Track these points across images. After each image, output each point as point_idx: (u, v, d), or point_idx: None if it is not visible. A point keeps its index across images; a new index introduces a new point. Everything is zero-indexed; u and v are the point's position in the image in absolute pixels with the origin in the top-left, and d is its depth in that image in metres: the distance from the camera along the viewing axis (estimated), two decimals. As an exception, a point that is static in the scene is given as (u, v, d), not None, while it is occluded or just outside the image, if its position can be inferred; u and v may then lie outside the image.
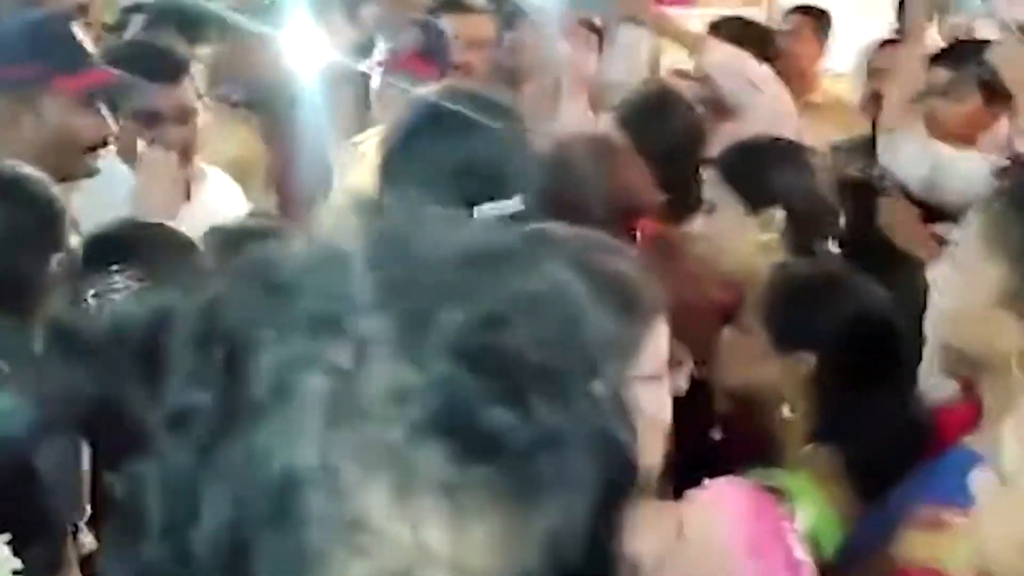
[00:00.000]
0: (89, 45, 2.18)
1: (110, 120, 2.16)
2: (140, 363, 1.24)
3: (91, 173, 2.17)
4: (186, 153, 2.63)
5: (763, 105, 3.30)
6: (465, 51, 3.35)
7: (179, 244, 1.53)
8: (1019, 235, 1.44)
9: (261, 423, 0.57)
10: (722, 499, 1.27)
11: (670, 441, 1.88)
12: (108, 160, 2.58)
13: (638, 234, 1.97)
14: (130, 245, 1.54)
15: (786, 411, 1.73)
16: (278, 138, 3.32)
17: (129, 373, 1.28)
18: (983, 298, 1.46)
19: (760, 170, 2.08)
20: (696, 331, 1.83)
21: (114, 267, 1.43)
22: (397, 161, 1.60)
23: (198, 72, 3.23)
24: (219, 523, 0.57)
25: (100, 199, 2.35)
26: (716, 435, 2.01)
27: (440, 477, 0.56)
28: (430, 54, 3.04)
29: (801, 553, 1.29)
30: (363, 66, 3.10)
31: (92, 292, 1.41)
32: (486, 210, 1.53)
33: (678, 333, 1.81)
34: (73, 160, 2.12)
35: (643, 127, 2.41)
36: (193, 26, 3.26)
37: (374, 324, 0.58)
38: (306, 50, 3.29)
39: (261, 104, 3.42)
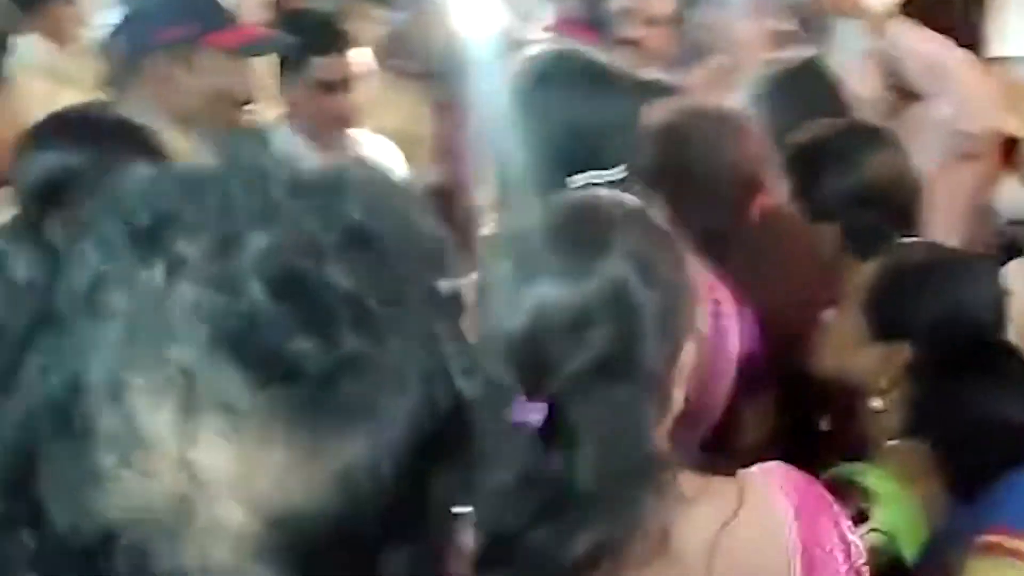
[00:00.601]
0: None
1: (259, 78, 2.28)
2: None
3: (240, 128, 2.28)
4: (347, 120, 2.76)
5: (955, 91, 3.13)
6: (640, 27, 3.33)
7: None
8: None
9: (64, 336, 0.57)
10: (775, 473, 1.24)
11: (775, 431, 1.85)
12: (283, 131, 2.72)
13: (754, 210, 1.91)
14: None
15: (877, 403, 1.65)
16: (448, 110, 3.37)
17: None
18: None
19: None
20: (802, 316, 1.77)
21: None
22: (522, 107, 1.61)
23: (374, 41, 3.34)
24: (10, 437, 0.57)
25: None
26: (823, 426, 1.95)
27: (230, 400, 0.55)
28: (594, 24, 3.04)
29: (851, 532, 1.26)
30: (531, 34, 3.12)
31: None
32: (583, 178, 1.52)
33: (783, 318, 1.77)
34: (226, 115, 2.22)
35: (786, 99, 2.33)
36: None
37: (191, 245, 0.57)
38: (480, 21, 3.34)
39: (434, 75, 3.49)
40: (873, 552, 1.59)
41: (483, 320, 1.16)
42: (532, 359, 1.12)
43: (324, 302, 0.57)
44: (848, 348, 1.70)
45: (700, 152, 1.93)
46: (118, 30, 2.19)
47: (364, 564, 0.58)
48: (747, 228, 1.87)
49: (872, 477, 1.61)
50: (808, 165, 2.03)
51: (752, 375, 1.65)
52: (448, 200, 2.76)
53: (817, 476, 1.68)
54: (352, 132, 2.82)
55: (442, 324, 0.62)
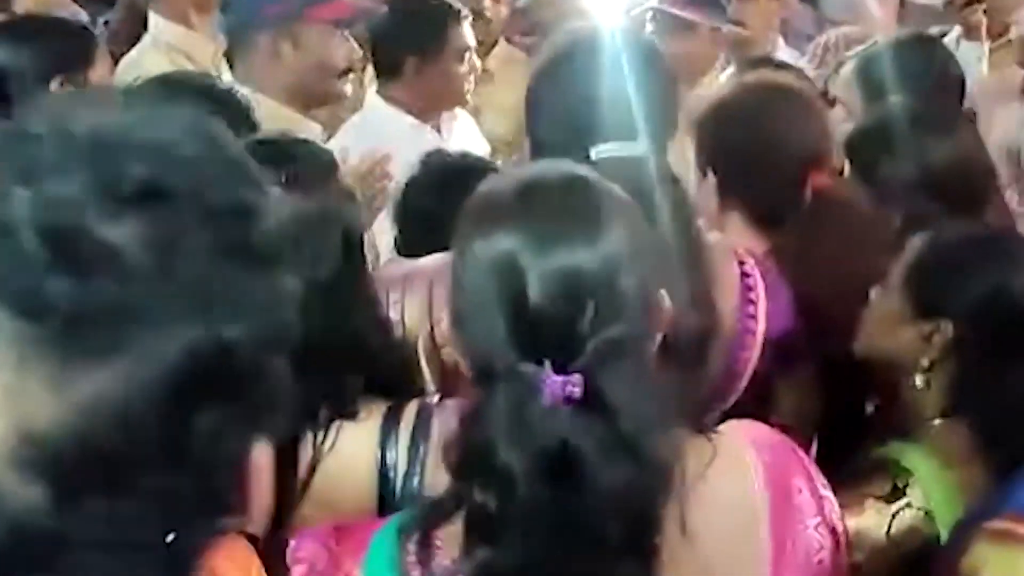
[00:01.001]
0: None
1: (355, 46, 2.37)
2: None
3: (342, 96, 2.38)
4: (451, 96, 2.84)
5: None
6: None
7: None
8: None
9: None
10: (746, 429, 1.28)
11: (821, 411, 1.85)
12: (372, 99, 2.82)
13: (809, 189, 1.91)
14: None
15: (919, 381, 1.65)
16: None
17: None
18: None
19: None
20: (850, 299, 1.77)
21: None
22: (531, 94, 1.64)
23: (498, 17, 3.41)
24: None
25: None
26: (870, 407, 1.94)
27: None
28: (702, 3, 3.04)
29: (824, 489, 1.28)
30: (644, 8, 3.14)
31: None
32: (602, 151, 1.55)
33: (831, 300, 1.78)
34: (330, 84, 2.35)
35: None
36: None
37: None
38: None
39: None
40: (911, 530, 1.60)
41: (464, 292, 1.18)
42: (562, 330, 1.12)
43: (86, 250, 0.65)
44: (890, 326, 1.69)
45: (754, 128, 1.94)
46: (227, 8, 2.32)
47: (121, 484, 0.66)
48: (800, 207, 1.87)
49: (912, 455, 1.61)
50: (872, 149, 2.01)
51: (787, 352, 1.68)
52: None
53: (864, 456, 1.70)
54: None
55: (225, 275, 0.68)
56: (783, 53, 3.21)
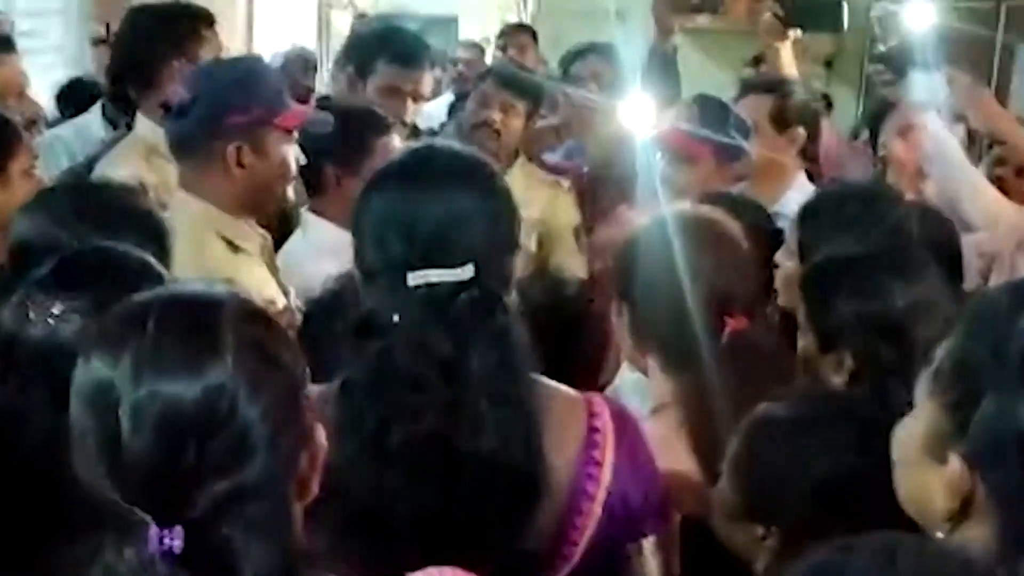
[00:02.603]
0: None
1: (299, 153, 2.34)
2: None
3: (286, 201, 2.39)
4: None
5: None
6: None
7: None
8: None
9: None
10: None
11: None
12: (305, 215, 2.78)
13: (722, 331, 1.80)
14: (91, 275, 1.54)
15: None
16: (597, 203, 3.36)
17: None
18: None
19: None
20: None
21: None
22: (357, 210, 1.57)
23: (518, 133, 3.38)
24: None
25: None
26: None
27: None
28: (699, 134, 2.95)
29: None
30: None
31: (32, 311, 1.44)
32: (421, 275, 1.47)
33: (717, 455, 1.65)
34: (281, 189, 2.33)
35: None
36: (525, 91, 3.39)
37: None
38: (632, 118, 3.32)
39: (581, 169, 3.51)
40: None
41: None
42: (160, 474, 1.07)
43: None
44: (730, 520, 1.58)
45: (664, 266, 1.84)
46: (183, 114, 2.29)
47: None
48: (712, 351, 1.76)
49: None
50: (821, 288, 1.88)
51: (639, 521, 1.55)
52: (594, 290, 2.71)
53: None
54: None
55: None
56: (799, 190, 3.08)
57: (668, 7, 3.55)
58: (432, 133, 3.86)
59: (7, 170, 2.12)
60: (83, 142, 3.18)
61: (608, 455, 1.53)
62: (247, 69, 2.35)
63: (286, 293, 2.34)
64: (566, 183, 3.46)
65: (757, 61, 3.83)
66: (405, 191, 1.52)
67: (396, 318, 1.48)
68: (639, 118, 3.16)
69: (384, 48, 3.18)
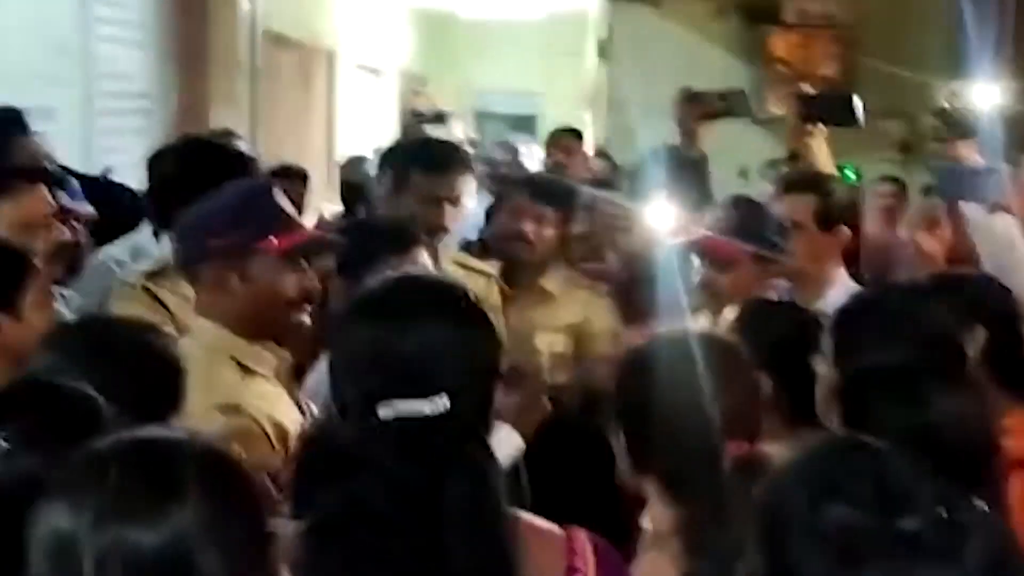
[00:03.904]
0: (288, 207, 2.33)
1: (313, 277, 2.29)
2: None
3: (299, 328, 2.32)
4: None
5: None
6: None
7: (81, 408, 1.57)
8: None
9: None
10: None
11: None
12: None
13: (724, 459, 1.72)
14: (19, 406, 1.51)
15: None
16: (634, 312, 3.32)
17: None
18: None
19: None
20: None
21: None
22: (332, 341, 1.56)
23: (547, 240, 3.35)
24: None
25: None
26: None
27: None
28: (742, 235, 2.90)
29: None
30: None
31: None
32: (391, 406, 1.44)
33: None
34: (282, 315, 2.27)
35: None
36: (557, 200, 3.38)
37: None
38: (660, 223, 3.30)
39: (620, 278, 3.47)
40: None
41: None
42: None
43: None
44: None
45: (661, 391, 1.78)
46: (178, 240, 2.32)
47: None
48: (714, 479, 1.68)
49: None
50: (859, 396, 1.81)
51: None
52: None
53: None
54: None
55: None
56: (842, 287, 3.00)
57: (691, 113, 3.53)
58: (468, 244, 3.87)
59: (17, 304, 2.14)
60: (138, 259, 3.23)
61: None
62: (237, 194, 2.35)
63: (303, 411, 2.32)
64: (604, 288, 3.43)
65: (792, 157, 3.78)
66: (378, 322, 1.51)
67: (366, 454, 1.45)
68: (667, 223, 3.13)
69: (416, 159, 3.20)
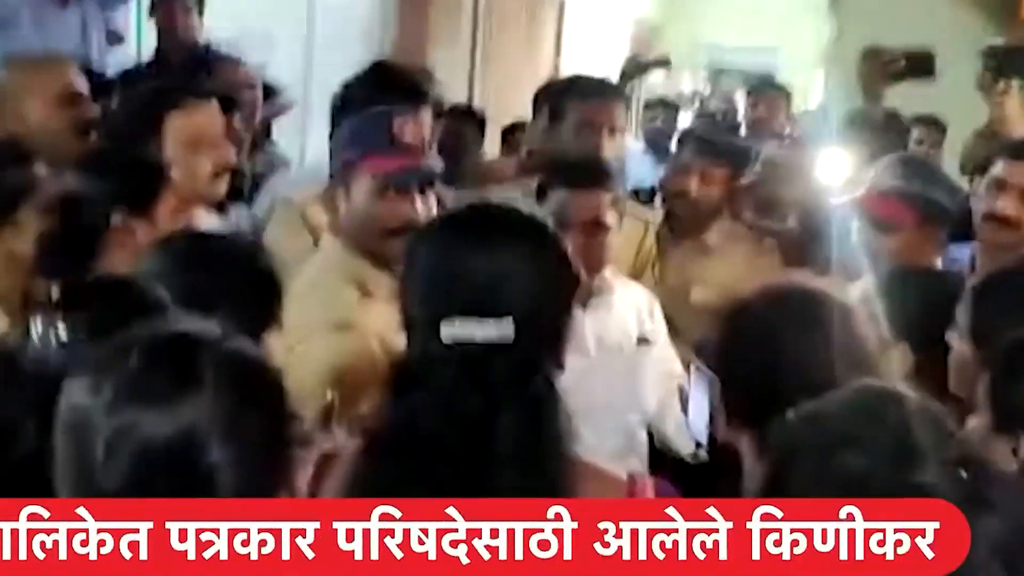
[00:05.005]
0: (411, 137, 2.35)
1: (417, 207, 2.28)
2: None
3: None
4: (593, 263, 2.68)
5: None
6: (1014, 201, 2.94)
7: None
8: None
9: None
10: None
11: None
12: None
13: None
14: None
15: None
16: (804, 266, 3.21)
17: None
18: None
19: None
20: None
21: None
22: (404, 259, 1.56)
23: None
24: None
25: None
26: None
27: None
28: (901, 198, 2.74)
29: None
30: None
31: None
32: (456, 327, 1.44)
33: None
34: (376, 241, 2.29)
35: None
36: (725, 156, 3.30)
37: None
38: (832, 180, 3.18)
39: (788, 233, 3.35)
40: None
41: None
42: None
43: None
44: None
45: (764, 347, 1.71)
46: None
47: None
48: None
49: None
50: (1013, 363, 1.72)
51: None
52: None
53: None
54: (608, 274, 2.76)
55: None
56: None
57: (873, 72, 3.35)
58: (637, 191, 3.82)
59: (154, 211, 2.25)
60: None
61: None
62: (360, 117, 2.42)
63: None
64: (770, 242, 3.33)
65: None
66: (451, 243, 1.50)
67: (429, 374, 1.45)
68: (838, 176, 3.01)
69: (572, 87, 3.17)
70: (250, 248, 2.01)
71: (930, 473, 1.13)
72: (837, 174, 3.21)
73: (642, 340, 2.64)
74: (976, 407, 1.76)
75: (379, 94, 2.74)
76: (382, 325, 2.25)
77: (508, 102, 6.43)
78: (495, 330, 1.43)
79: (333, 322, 2.19)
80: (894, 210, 2.77)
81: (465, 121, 4.54)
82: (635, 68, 4.16)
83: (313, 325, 2.14)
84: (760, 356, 1.74)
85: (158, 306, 1.53)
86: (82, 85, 2.79)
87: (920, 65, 3.24)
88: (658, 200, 3.69)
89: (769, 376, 1.70)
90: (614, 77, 5.61)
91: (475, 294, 1.44)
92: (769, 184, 3.48)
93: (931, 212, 2.80)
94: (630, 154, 5.30)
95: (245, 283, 1.86)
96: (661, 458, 2.77)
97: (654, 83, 8.39)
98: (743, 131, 4.94)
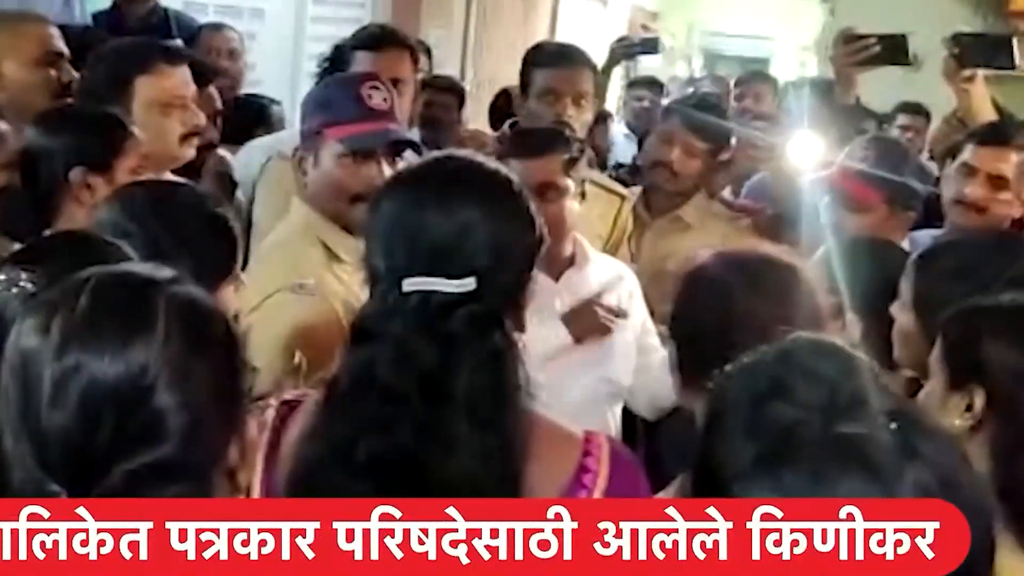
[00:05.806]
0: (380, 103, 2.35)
1: (384, 173, 2.28)
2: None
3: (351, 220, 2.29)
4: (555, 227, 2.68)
5: None
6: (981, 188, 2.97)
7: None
8: None
9: None
10: None
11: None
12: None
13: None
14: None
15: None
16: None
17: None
18: None
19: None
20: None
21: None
22: (368, 213, 1.56)
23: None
24: None
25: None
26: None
27: None
28: (870, 178, 2.77)
29: None
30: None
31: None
32: (416, 282, 1.45)
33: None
34: (342, 206, 2.30)
35: None
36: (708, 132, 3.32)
37: None
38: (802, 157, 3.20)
39: (763, 212, 3.38)
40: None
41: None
42: (76, 451, 1.10)
43: None
44: None
45: (719, 303, 1.73)
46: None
47: None
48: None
49: None
50: (968, 325, 1.70)
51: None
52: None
53: None
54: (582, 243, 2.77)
55: None
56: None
57: (846, 56, 3.34)
58: (619, 165, 3.84)
59: (113, 168, 2.26)
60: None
61: (596, 497, 1.46)
62: (328, 83, 2.47)
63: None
64: (745, 221, 3.36)
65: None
66: (414, 198, 1.50)
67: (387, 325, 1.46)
68: (809, 157, 3.02)
69: (535, 55, 3.18)
70: (204, 198, 2.01)
71: (860, 424, 1.11)
72: (811, 155, 3.21)
73: (617, 313, 2.65)
74: (923, 375, 1.77)
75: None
76: (346, 289, 2.27)
77: (502, 83, 6.44)
78: (456, 284, 1.45)
79: (291, 284, 2.20)
80: (862, 190, 2.80)
81: (445, 92, 4.57)
82: (624, 50, 4.14)
83: (275, 285, 2.16)
84: (712, 317, 1.75)
85: (120, 261, 1.54)
86: (60, 45, 2.80)
87: (894, 49, 3.23)
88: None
89: (721, 337, 1.71)
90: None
91: (436, 246, 1.45)
92: (745, 164, 3.51)
93: (899, 194, 2.82)
94: (614, 135, 5.31)
95: (199, 233, 1.86)
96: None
97: (650, 67, 8.40)
98: (729, 116, 4.94)
